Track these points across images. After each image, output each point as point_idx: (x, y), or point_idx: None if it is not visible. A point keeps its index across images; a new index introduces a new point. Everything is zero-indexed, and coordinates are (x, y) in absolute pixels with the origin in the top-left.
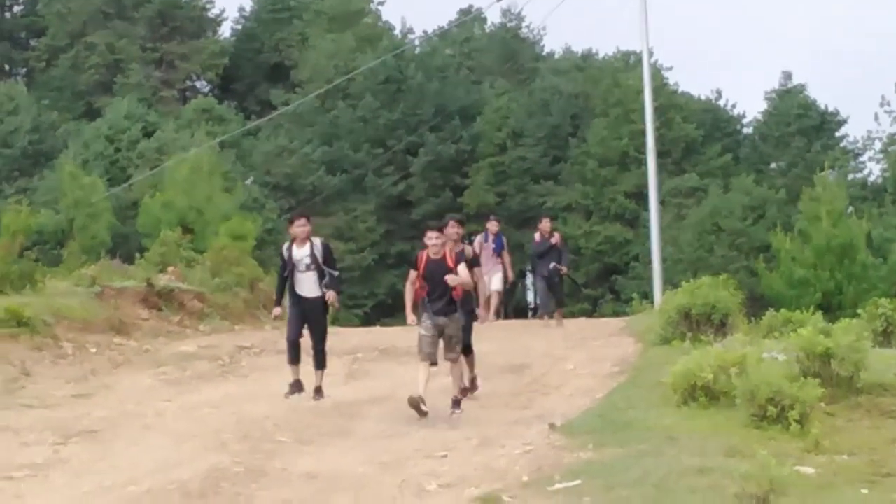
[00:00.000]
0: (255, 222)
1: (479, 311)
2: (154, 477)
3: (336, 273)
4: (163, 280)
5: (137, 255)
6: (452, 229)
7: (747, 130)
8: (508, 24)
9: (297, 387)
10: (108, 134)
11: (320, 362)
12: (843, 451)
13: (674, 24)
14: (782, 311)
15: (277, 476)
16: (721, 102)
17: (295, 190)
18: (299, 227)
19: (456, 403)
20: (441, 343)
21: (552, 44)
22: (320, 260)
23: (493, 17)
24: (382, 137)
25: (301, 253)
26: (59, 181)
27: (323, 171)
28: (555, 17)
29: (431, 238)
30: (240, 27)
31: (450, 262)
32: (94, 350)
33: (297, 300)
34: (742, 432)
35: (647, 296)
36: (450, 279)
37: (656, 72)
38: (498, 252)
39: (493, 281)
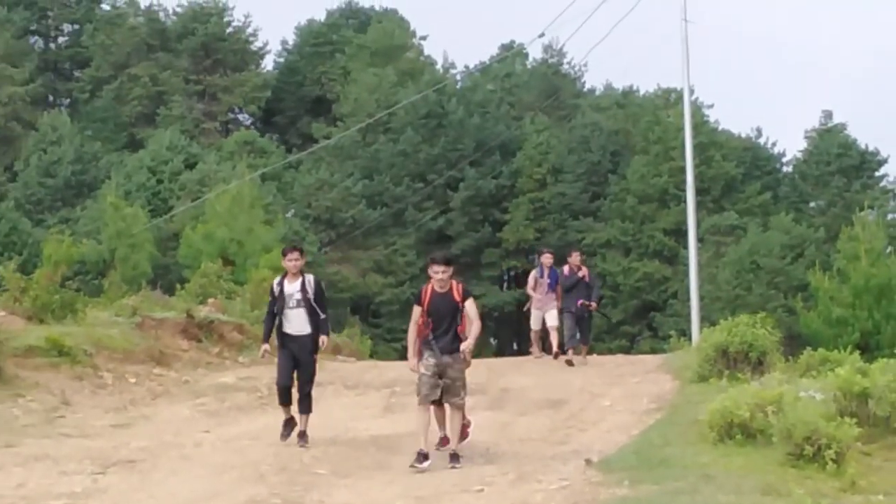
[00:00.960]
0: None
1: (532, 348)
2: None
3: (325, 315)
4: (203, 311)
5: (178, 286)
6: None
7: (787, 169)
8: (550, 61)
9: (290, 425)
10: (150, 165)
11: (306, 406)
12: (879, 490)
13: (715, 61)
14: (820, 350)
15: None
16: (761, 141)
17: (335, 223)
18: (291, 260)
19: (454, 458)
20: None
21: (593, 80)
22: (311, 297)
23: (535, 53)
24: (423, 172)
25: (292, 288)
26: (102, 212)
27: (363, 205)
28: (596, 54)
29: (438, 272)
30: (282, 60)
31: (456, 296)
32: (133, 380)
33: (285, 339)
34: (778, 471)
35: (684, 333)
36: (465, 348)
37: (697, 109)
38: (553, 287)
39: (549, 317)
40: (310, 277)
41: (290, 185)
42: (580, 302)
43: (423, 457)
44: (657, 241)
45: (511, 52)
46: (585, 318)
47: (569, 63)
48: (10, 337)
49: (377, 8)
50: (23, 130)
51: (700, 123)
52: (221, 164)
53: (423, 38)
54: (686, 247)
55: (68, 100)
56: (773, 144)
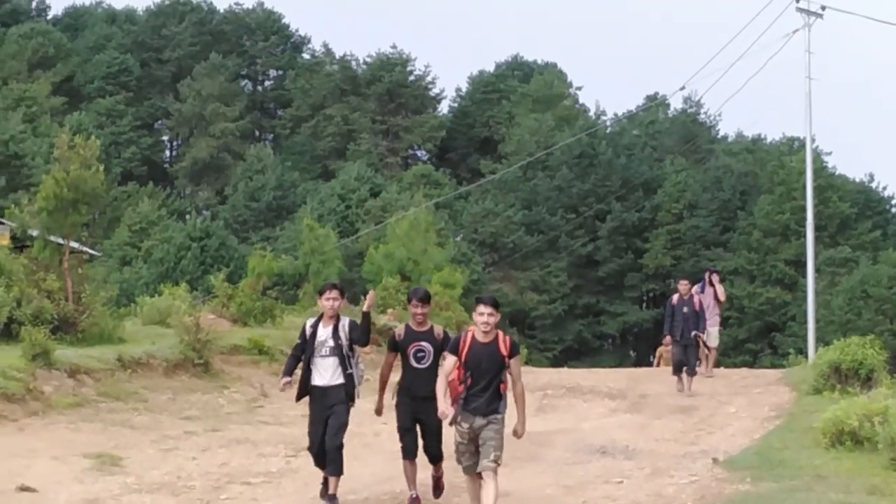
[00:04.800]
0: (462, 273)
1: (700, 368)
2: (371, 488)
3: (357, 366)
4: (383, 319)
5: (362, 297)
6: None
7: None
8: (688, 110)
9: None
10: (340, 193)
11: (335, 466)
12: None
13: (834, 112)
14: None
15: None
16: (873, 185)
17: (497, 247)
18: (329, 299)
19: None
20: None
21: (726, 128)
22: (345, 342)
23: (676, 104)
24: (575, 204)
25: (325, 333)
26: (298, 232)
27: (522, 232)
28: (729, 105)
29: (484, 313)
30: (456, 105)
31: (503, 349)
32: None
33: (316, 393)
34: (883, 474)
35: (801, 351)
36: (519, 431)
37: (817, 156)
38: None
39: (711, 337)
40: (345, 321)
41: (459, 213)
42: (694, 333)
43: None
44: (779, 270)
45: (655, 103)
46: (693, 346)
47: (705, 113)
48: (218, 337)
49: (539, 61)
50: (232, 160)
51: (819, 168)
52: (401, 194)
53: (579, 88)
54: (805, 276)
55: (272, 135)
56: (884, 188)
